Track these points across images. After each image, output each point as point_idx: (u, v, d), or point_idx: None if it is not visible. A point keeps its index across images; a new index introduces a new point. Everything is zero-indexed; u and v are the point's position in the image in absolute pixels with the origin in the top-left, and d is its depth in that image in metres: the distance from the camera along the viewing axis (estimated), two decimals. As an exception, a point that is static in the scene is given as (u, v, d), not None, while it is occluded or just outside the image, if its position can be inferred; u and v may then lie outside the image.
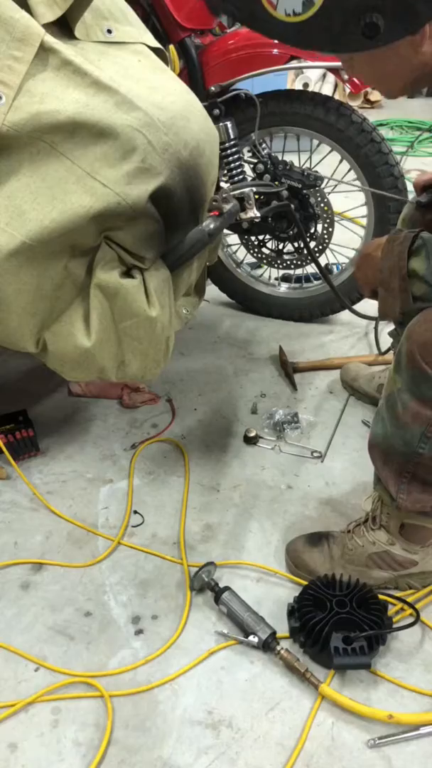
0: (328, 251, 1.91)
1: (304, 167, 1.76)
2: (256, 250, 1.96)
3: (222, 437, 1.59)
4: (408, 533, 1.14)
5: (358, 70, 0.88)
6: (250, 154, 1.82)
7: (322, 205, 1.77)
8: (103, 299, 1.04)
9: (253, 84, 1.68)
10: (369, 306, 2.04)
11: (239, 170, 1.75)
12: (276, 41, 1.62)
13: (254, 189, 1.69)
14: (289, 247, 1.91)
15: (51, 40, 0.92)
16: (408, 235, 0.97)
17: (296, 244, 1.87)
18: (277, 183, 1.71)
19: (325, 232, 1.83)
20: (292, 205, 1.72)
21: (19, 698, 1.02)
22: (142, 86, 1.01)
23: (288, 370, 1.79)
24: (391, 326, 1.03)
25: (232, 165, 1.74)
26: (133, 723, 0.99)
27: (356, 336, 2.01)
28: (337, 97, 2.11)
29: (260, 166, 1.72)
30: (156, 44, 1.15)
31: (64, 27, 1.00)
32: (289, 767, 0.93)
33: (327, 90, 4.09)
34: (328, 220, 1.80)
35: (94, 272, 1.03)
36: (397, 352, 0.99)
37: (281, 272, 2.08)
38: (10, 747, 0.96)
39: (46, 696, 1.03)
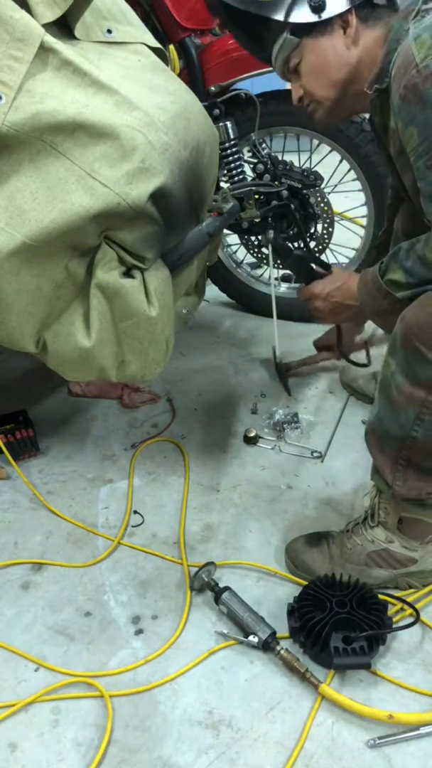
0: (328, 251, 1.91)
1: (304, 167, 1.76)
2: (256, 250, 1.96)
3: (222, 437, 1.59)
4: (406, 528, 1.14)
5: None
6: (250, 154, 1.82)
7: (322, 205, 1.77)
8: (103, 299, 1.04)
9: (253, 84, 1.68)
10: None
11: (239, 170, 1.75)
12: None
13: (254, 189, 1.69)
14: (289, 247, 1.91)
15: (51, 40, 0.92)
16: (370, 269, 1.06)
17: (296, 244, 1.87)
18: (277, 183, 1.71)
19: (325, 232, 1.83)
20: (292, 205, 1.72)
21: (19, 698, 1.02)
22: (142, 86, 1.01)
23: (281, 373, 1.77)
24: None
25: (232, 165, 1.74)
26: (133, 723, 0.99)
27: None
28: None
29: (260, 166, 1.72)
30: (156, 44, 1.15)
31: (64, 27, 1.00)
32: (288, 767, 0.93)
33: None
34: (328, 220, 1.80)
35: (94, 272, 1.03)
36: (391, 336, 1.00)
37: (281, 272, 2.07)
38: (10, 747, 0.96)
39: (46, 696, 1.03)
